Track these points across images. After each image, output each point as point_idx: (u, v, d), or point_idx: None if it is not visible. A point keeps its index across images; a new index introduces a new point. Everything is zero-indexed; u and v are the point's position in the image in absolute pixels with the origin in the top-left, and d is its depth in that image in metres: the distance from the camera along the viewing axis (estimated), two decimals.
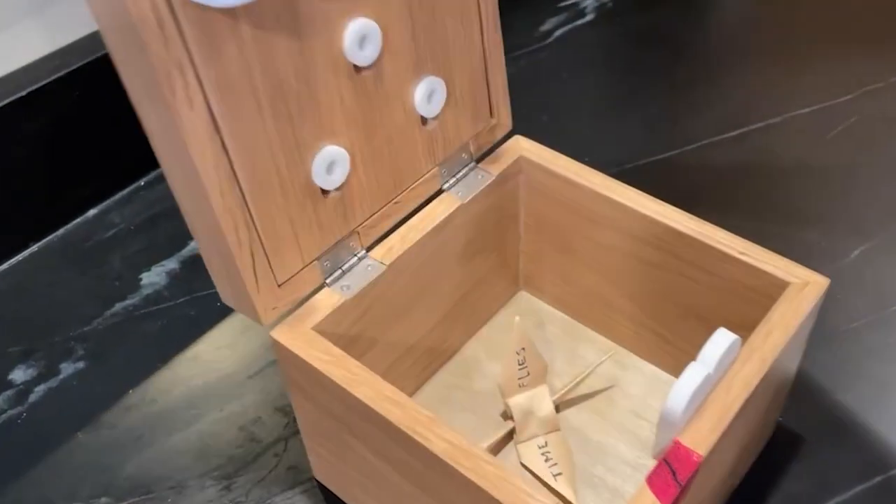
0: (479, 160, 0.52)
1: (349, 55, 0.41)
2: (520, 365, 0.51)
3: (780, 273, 0.44)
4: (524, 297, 0.60)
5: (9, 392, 0.58)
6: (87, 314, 0.63)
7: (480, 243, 0.53)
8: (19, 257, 0.68)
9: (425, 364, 0.54)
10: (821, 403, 0.54)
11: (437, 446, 0.38)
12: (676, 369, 0.54)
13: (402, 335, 0.50)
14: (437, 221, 0.48)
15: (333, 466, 0.49)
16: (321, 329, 0.43)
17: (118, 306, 0.63)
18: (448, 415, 0.53)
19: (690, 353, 0.52)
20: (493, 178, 0.51)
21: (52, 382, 0.59)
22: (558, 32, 0.88)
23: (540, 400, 0.52)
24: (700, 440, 0.38)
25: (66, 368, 0.59)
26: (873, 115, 0.76)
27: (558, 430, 0.52)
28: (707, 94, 0.80)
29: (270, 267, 0.41)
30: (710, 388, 0.39)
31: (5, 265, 0.67)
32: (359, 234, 0.46)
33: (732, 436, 0.41)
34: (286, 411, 0.55)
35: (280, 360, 0.44)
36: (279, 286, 0.42)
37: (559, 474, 0.49)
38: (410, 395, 0.54)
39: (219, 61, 0.35)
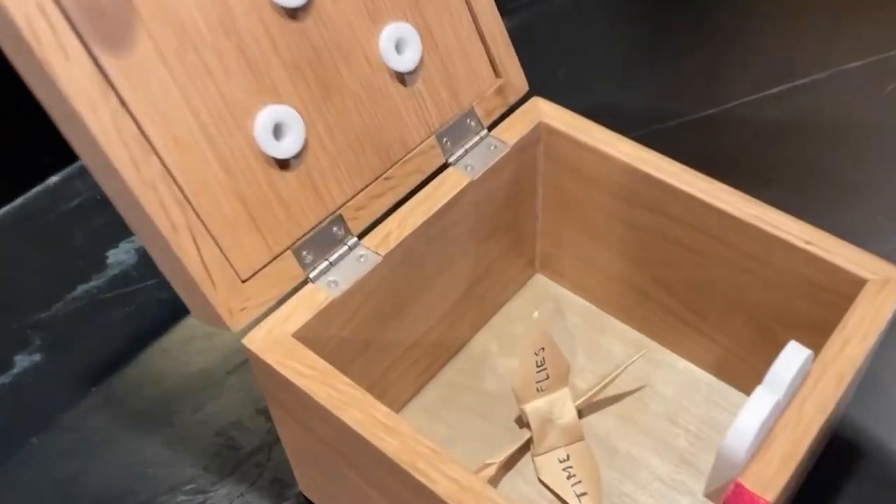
0: (491, 128, 0.44)
1: None
2: (538, 367, 0.44)
3: (854, 268, 0.37)
4: (540, 282, 0.53)
5: None
6: (45, 298, 0.56)
7: (493, 224, 0.46)
8: None
9: (428, 362, 0.47)
10: (883, 407, 0.48)
11: (442, 487, 0.31)
12: (717, 368, 0.47)
13: (401, 333, 0.43)
14: (442, 202, 0.41)
15: (323, 487, 0.42)
16: (303, 335, 0.36)
17: (81, 289, 0.56)
18: (454, 421, 0.47)
19: (735, 352, 0.46)
20: (508, 148, 0.43)
21: (5, 378, 0.52)
22: None
23: (561, 405, 0.45)
24: (767, 482, 0.31)
25: (21, 361, 0.52)
26: None
27: (582, 439, 0.45)
28: (745, 47, 0.71)
29: (225, 257, 0.34)
30: (778, 414, 0.32)
31: None
32: (344, 218, 0.38)
33: (802, 468, 0.34)
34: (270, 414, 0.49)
35: (255, 371, 0.37)
36: (244, 282, 0.35)
37: (583, 494, 0.43)
38: (411, 397, 0.47)
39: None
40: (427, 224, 0.40)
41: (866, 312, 0.35)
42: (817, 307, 0.39)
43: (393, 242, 0.39)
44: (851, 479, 0.45)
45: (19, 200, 0.62)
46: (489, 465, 0.43)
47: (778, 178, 0.60)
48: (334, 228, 0.38)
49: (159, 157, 0.32)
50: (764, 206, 0.40)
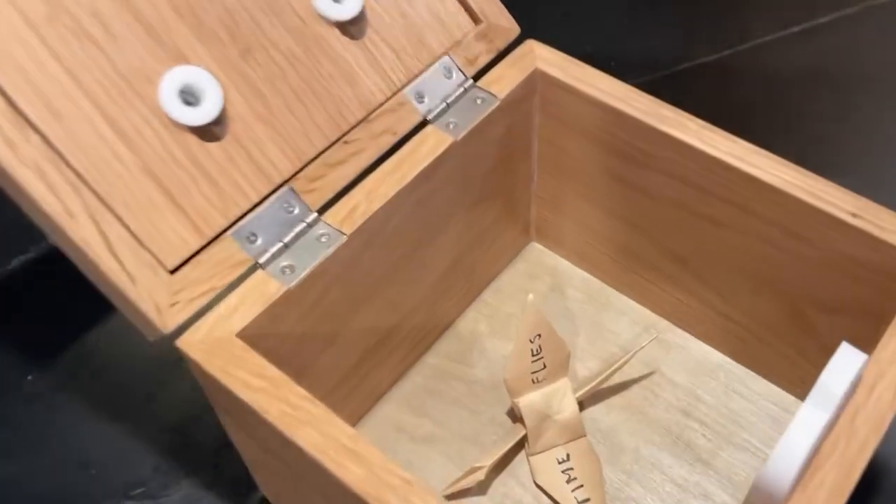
0: (477, 78, 0.37)
1: None
2: (534, 356, 0.38)
3: None
4: (536, 251, 0.47)
5: None
6: None
7: (481, 190, 0.40)
8: None
9: (409, 347, 0.41)
10: None
11: None
12: (736, 351, 0.41)
13: (376, 320, 0.37)
14: (420, 167, 0.34)
15: (289, 497, 0.37)
16: (252, 334, 0.30)
17: (16, 261, 0.50)
18: (439, 414, 0.41)
19: (758, 335, 0.40)
20: (498, 102, 0.37)
21: None
22: None
23: (560, 398, 0.39)
24: None
25: None
26: None
27: (583, 436, 0.39)
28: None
29: (142, 244, 0.28)
30: (825, 433, 0.26)
31: None
32: (297, 191, 0.32)
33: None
34: None
35: (196, 374, 0.31)
36: (172, 272, 0.29)
37: (586, 501, 0.37)
38: (389, 387, 0.41)
39: None
40: (402, 194, 0.34)
41: None
42: (862, 290, 0.33)
43: (360, 218, 0.32)
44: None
45: None
46: (478, 468, 0.37)
47: (801, 130, 0.54)
48: (286, 204, 0.32)
49: (40, 135, 0.27)
50: (799, 170, 0.34)
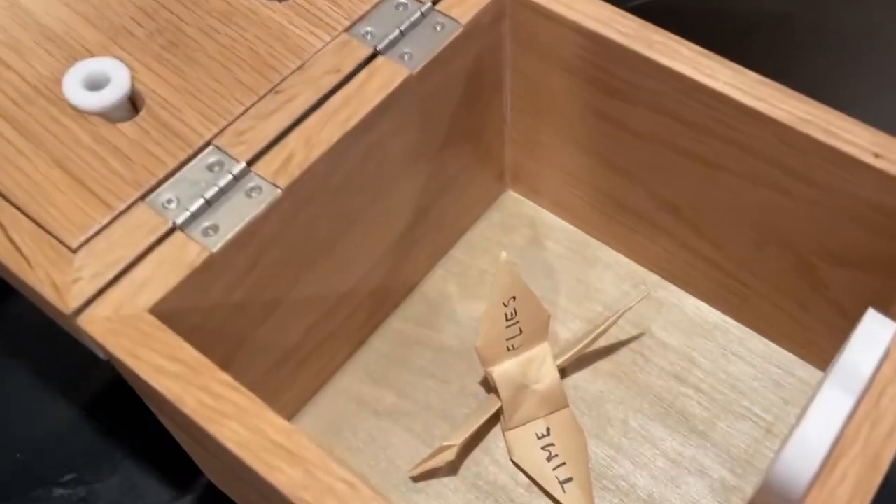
0: (436, 1, 0.32)
1: None
2: (508, 321, 0.34)
3: None
4: (511, 200, 0.42)
5: None
6: None
7: (446, 131, 0.35)
8: None
9: (368, 313, 0.37)
10: None
11: None
12: (735, 309, 0.37)
13: (325, 285, 0.32)
14: (370, 106, 0.29)
15: (231, 485, 0.33)
16: (168, 309, 0.25)
17: None
18: (404, 384, 0.37)
19: (760, 292, 0.35)
20: (461, 28, 0.31)
21: None
22: None
23: (538, 366, 0.35)
24: None
25: None
26: None
27: (565, 407, 0.35)
28: None
29: (45, 229, 0.26)
30: (849, 414, 0.22)
31: None
32: (221, 147, 0.27)
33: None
34: None
35: (110, 359, 0.26)
36: (76, 250, 0.24)
37: (568, 480, 0.33)
38: (347, 357, 0.37)
39: None
40: (348, 139, 0.29)
41: None
42: (881, 241, 0.29)
43: (297, 169, 0.27)
44: None
45: None
46: (448, 446, 0.33)
47: (812, 56, 0.48)
48: (210, 162, 0.27)
49: None
50: (811, 102, 0.29)
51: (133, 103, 0.29)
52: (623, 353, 0.37)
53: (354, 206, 0.32)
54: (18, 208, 0.26)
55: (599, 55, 0.32)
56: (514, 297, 0.33)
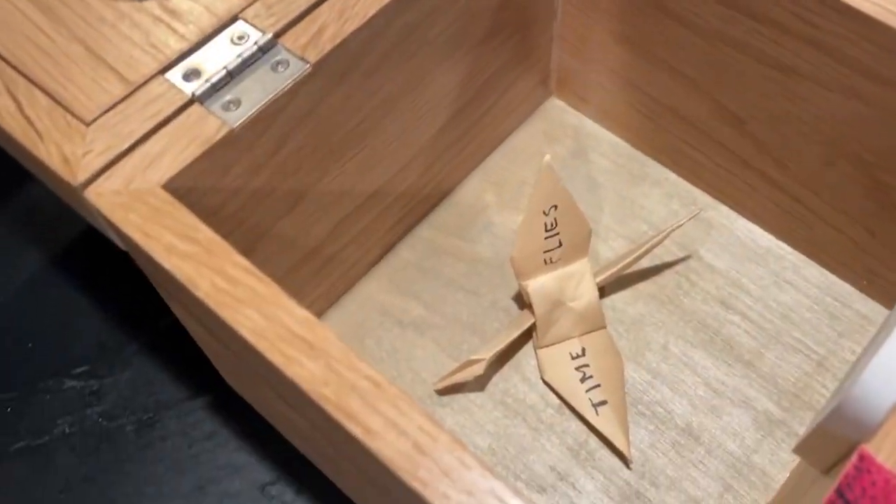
0: None
1: None
2: (547, 231, 0.31)
3: None
4: (556, 108, 0.39)
5: None
6: None
7: (489, 22, 0.32)
8: None
9: (398, 216, 0.35)
10: None
11: (387, 446, 0.19)
12: (791, 232, 0.34)
13: (353, 180, 0.30)
14: None
15: (244, 381, 0.31)
16: (182, 186, 0.23)
17: None
18: (431, 296, 0.35)
19: (822, 214, 0.32)
20: None
21: None
22: None
23: (576, 283, 0.32)
24: None
25: None
26: None
27: (603, 328, 0.33)
28: None
29: (61, 104, 0.24)
30: None
31: None
32: (247, 19, 0.25)
33: None
34: None
35: (117, 237, 0.24)
36: (89, 124, 0.23)
37: (602, 403, 0.31)
38: (373, 264, 0.35)
39: None
40: (385, 14, 0.26)
41: None
42: None
43: (329, 43, 0.25)
44: None
45: None
46: (476, 360, 0.31)
47: None
48: (235, 35, 0.25)
49: None
50: None
51: None
52: (667, 276, 0.35)
53: (388, 93, 0.29)
54: (36, 84, 0.25)
55: None
56: (556, 206, 0.31)
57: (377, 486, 0.23)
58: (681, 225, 0.33)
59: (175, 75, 0.25)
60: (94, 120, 0.24)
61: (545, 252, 0.32)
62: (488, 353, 0.31)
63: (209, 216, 0.23)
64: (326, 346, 0.20)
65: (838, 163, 0.30)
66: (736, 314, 0.34)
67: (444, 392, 0.32)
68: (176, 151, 0.23)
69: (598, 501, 0.30)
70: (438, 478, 0.19)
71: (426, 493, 0.18)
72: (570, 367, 0.32)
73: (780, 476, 0.30)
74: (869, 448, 0.19)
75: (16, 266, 0.38)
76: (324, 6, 0.25)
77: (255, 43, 0.25)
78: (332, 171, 0.29)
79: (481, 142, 0.37)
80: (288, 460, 0.32)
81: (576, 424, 0.32)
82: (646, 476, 0.31)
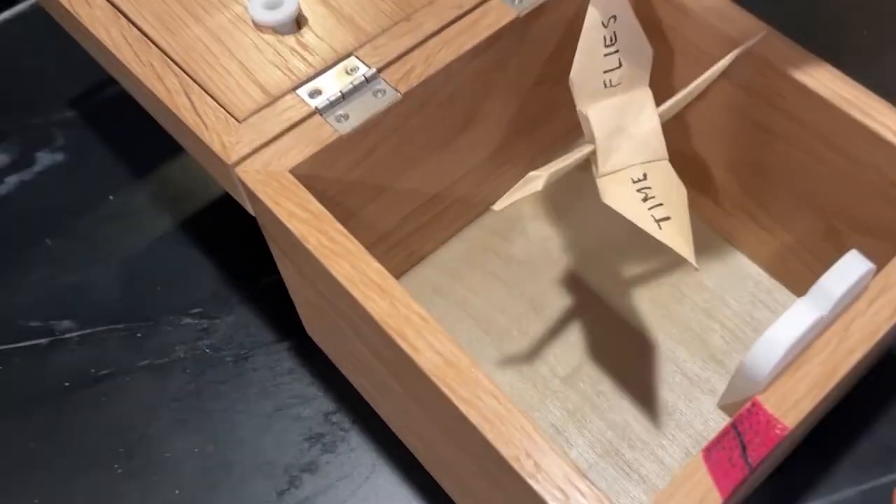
0: None
1: None
2: (607, 46, 0.31)
3: None
4: None
5: None
6: (73, 95, 0.53)
7: (543, 70, 0.41)
8: (3, 15, 0.57)
9: (452, 218, 0.44)
10: None
11: (426, 359, 0.28)
12: (770, 263, 0.42)
13: (422, 183, 0.39)
14: (479, 38, 0.35)
15: (324, 330, 0.40)
16: (303, 173, 0.32)
17: (112, 89, 0.53)
18: (469, 281, 0.43)
19: (793, 249, 0.41)
20: None
21: (26, 174, 0.50)
22: None
23: (638, 110, 0.33)
24: (789, 406, 0.27)
25: (43, 159, 0.51)
26: None
27: (665, 158, 0.33)
28: None
29: (220, 104, 0.34)
30: (819, 331, 0.28)
31: None
32: (359, 56, 0.34)
33: (833, 395, 0.30)
34: None
35: (251, 205, 0.34)
36: (241, 121, 0.32)
37: (665, 218, 0.31)
38: (429, 253, 0.44)
39: None
40: (459, 62, 0.35)
41: None
42: (894, 212, 0.34)
43: (416, 80, 0.34)
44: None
45: None
46: (535, 177, 0.31)
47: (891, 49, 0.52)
48: (349, 67, 0.34)
49: (157, 47, 0.36)
50: (857, 87, 0.34)
51: (297, 22, 0.36)
52: (664, 288, 0.43)
53: (454, 122, 0.38)
54: (205, 90, 0.34)
55: (681, 23, 0.37)
56: (615, 18, 0.31)
57: (416, 398, 0.31)
58: (736, 55, 0.34)
59: (303, 92, 0.34)
60: (245, 119, 0.33)
61: (605, 72, 0.31)
62: (547, 171, 0.31)
63: (318, 195, 0.32)
64: (392, 291, 0.29)
65: (804, 209, 0.38)
66: (716, 323, 0.42)
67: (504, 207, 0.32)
68: (300, 147, 0.33)
69: (585, 453, 0.39)
70: (461, 385, 0.27)
71: (453, 396, 0.27)
72: (633, 188, 0.32)
73: None
74: (760, 398, 0.27)
75: (151, 226, 0.48)
76: (415, 52, 0.35)
77: (363, 75, 0.34)
78: (406, 174, 0.38)
79: (524, 166, 0.45)
80: (347, 396, 0.42)
81: (576, 394, 0.40)
82: (625, 439, 0.39)
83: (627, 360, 0.41)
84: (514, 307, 0.43)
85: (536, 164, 0.46)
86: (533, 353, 0.41)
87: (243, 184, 0.32)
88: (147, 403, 0.42)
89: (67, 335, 0.44)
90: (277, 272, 0.40)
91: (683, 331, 0.42)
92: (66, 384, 0.43)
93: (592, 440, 0.39)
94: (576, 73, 0.32)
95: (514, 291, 0.43)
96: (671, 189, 0.32)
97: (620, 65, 0.32)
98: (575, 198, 0.46)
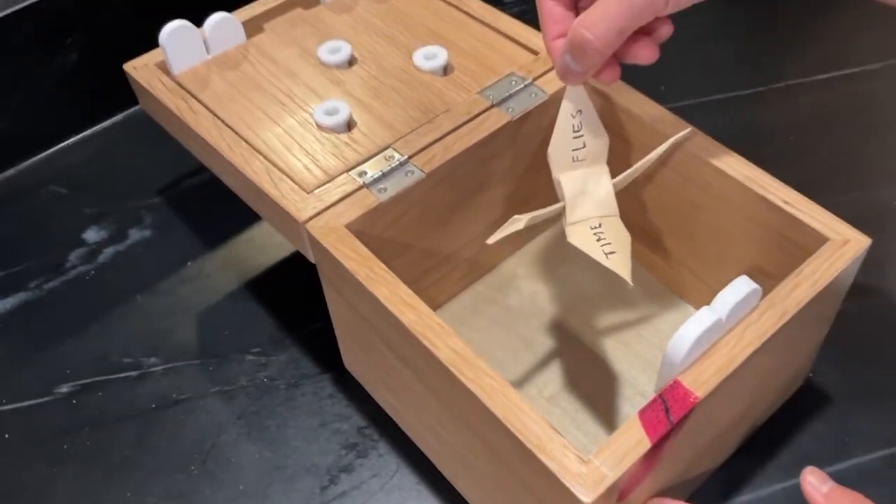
0: (539, 77, 0.51)
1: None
2: (575, 132, 0.44)
3: (819, 227, 0.43)
4: None
5: (81, 250, 0.63)
6: (158, 186, 0.67)
7: (530, 161, 0.54)
8: (105, 124, 0.72)
9: (461, 275, 0.56)
10: (859, 366, 0.53)
11: (444, 354, 0.39)
12: (697, 301, 0.54)
13: (438, 244, 0.52)
14: (482, 135, 0.49)
15: (359, 358, 0.52)
16: (354, 228, 0.45)
17: (188, 182, 0.67)
18: (475, 325, 0.55)
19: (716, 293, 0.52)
20: (547, 97, 0.51)
21: (120, 246, 0.63)
22: None
23: (597, 179, 0.45)
24: (701, 383, 0.38)
25: (134, 234, 0.64)
26: None
27: (616, 215, 0.45)
28: (803, 34, 0.76)
29: (295, 182, 0.47)
30: (721, 334, 0.39)
31: (90, 130, 0.71)
32: (393, 147, 0.48)
33: (739, 385, 0.41)
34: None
35: (313, 252, 0.46)
36: (308, 193, 0.45)
37: (612, 252, 0.43)
38: (443, 303, 0.56)
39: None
40: (468, 152, 0.48)
41: (820, 265, 0.42)
42: (789, 259, 0.45)
43: (437, 163, 0.47)
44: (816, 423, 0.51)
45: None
46: (518, 219, 0.43)
47: (812, 157, 0.65)
48: (387, 155, 0.47)
49: (246, 141, 0.49)
50: (752, 166, 0.46)
51: (348, 125, 0.50)
52: (628, 332, 0.54)
53: (465, 196, 0.51)
54: (283, 171, 0.47)
55: (633, 126, 0.50)
56: (581, 112, 0.43)
57: (433, 390, 0.42)
58: (669, 144, 0.47)
59: (354, 173, 0.47)
60: (311, 191, 0.46)
61: (573, 150, 0.43)
62: (527, 216, 0.43)
63: (365, 244, 0.44)
64: (418, 307, 0.41)
65: (727, 265, 0.50)
66: (655, 337, 0.53)
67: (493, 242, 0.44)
68: (352, 210, 0.45)
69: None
70: (468, 369, 0.39)
71: (462, 377, 0.38)
72: (590, 233, 0.44)
73: None
74: (679, 378, 0.38)
75: (221, 286, 0.60)
76: (435, 144, 0.48)
77: (398, 160, 0.47)
78: (427, 235, 0.50)
79: (518, 237, 0.58)
80: (376, 415, 0.52)
81: (559, 410, 0.51)
82: (595, 444, 0.49)
83: (599, 384, 0.52)
84: (509, 344, 0.54)
85: (529, 235, 0.59)
86: (524, 379, 0.52)
87: (310, 236, 0.44)
88: (217, 421, 0.53)
89: (153, 369, 0.56)
90: (321, 320, 0.52)
91: (643, 363, 0.53)
92: (153, 406, 0.54)
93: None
94: (552, 149, 0.44)
95: (510, 333, 0.55)
96: (619, 235, 0.44)
97: (585, 146, 0.44)
98: (558, 263, 0.58)
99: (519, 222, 0.43)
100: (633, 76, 0.49)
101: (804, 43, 0.75)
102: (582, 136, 0.44)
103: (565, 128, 0.43)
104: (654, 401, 0.38)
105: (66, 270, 0.61)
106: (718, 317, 0.38)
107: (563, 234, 0.47)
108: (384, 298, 0.42)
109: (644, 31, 0.41)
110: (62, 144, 0.70)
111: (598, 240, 0.44)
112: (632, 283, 0.42)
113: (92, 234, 0.64)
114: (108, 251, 0.63)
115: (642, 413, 0.37)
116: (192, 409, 0.54)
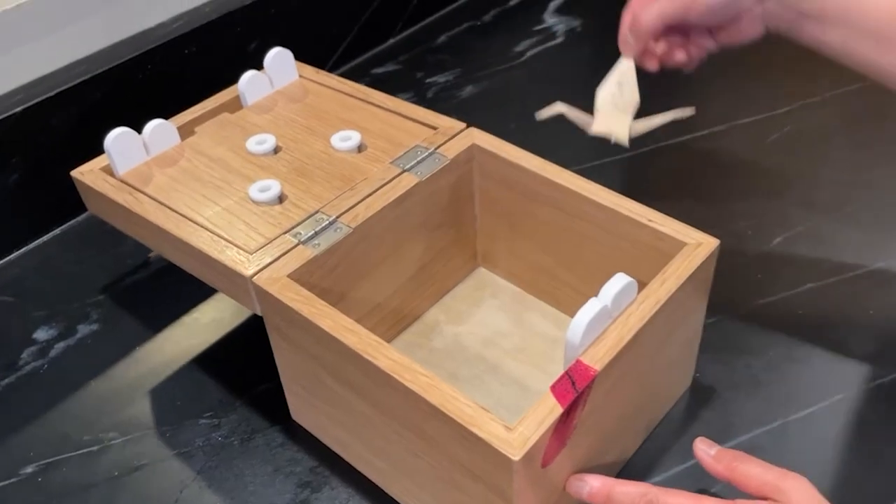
0: (440, 146, 0.61)
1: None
2: (619, 86, 0.61)
3: (678, 235, 0.53)
4: (482, 273, 0.69)
5: (32, 348, 0.67)
6: (101, 285, 0.72)
7: (440, 218, 0.62)
8: (46, 237, 0.77)
9: (390, 324, 0.63)
10: (737, 363, 0.63)
11: (384, 363, 0.46)
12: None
13: (368, 293, 0.59)
14: (396, 195, 0.57)
15: (306, 402, 0.58)
16: (295, 277, 0.52)
17: (128, 280, 0.73)
18: None
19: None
20: (448, 161, 0.60)
21: (71, 341, 0.68)
22: (530, 53, 0.98)
23: (623, 105, 0.61)
24: (597, 359, 0.46)
25: (83, 329, 0.68)
26: (808, 125, 0.85)
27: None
28: (660, 105, 0.89)
29: (238, 247, 0.54)
30: (609, 321, 0.48)
31: (34, 243, 0.77)
32: (322, 211, 0.56)
33: (630, 364, 0.49)
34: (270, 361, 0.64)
35: (260, 303, 0.53)
36: (251, 253, 0.53)
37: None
38: None
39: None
40: (385, 210, 0.57)
41: (681, 263, 0.51)
42: (659, 264, 0.55)
43: (361, 219, 0.55)
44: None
45: (83, 215, 0.79)
46: (559, 104, 0.61)
47: (680, 201, 0.76)
48: (317, 217, 0.55)
49: (192, 221, 0.57)
50: (620, 196, 0.56)
51: (280, 198, 0.58)
52: (541, 354, 0.62)
53: (386, 250, 0.59)
54: (228, 241, 0.54)
55: (522, 177, 0.60)
56: (625, 74, 0.61)
57: (376, 404, 0.49)
58: (667, 121, 0.62)
59: (290, 234, 0.54)
60: (254, 252, 0.53)
61: (612, 96, 0.61)
62: (566, 106, 0.61)
63: (306, 289, 0.51)
64: (358, 331, 0.48)
65: (600, 279, 0.59)
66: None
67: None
68: (292, 263, 0.52)
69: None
70: (406, 372, 0.46)
71: (400, 379, 0.45)
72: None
73: None
74: (580, 357, 0.46)
75: (171, 363, 0.65)
76: (359, 205, 0.56)
77: (327, 220, 0.55)
78: (357, 286, 0.58)
79: (437, 288, 0.66)
80: (325, 455, 0.58)
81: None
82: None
83: (519, 399, 0.59)
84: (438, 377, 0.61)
85: (446, 287, 0.67)
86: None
87: (257, 287, 0.52)
88: (179, 478, 0.57)
89: (112, 442, 0.60)
90: (267, 381, 0.58)
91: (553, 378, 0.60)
92: (116, 473, 0.58)
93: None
94: (600, 90, 0.61)
95: (438, 369, 0.62)
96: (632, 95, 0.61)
97: (622, 96, 0.61)
98: (475, 309, 0.66)
99: (561, 106, 0.61)
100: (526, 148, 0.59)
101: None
102: (623, 90, 0.60)
103: (612, 82, 0.60)
104: (561, 376, 0.46)
105: (20, 367, 0.66)
106: (604, 304, 0.47)
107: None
108: (329, 328, 0.49)
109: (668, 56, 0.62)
110: (8, 258, 0.76)
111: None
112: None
113: (42, 333, 0.68)
114: (59, 346, 0.67)
115: (553, 387, 0.45)
116: (154, 472, 0.58)
